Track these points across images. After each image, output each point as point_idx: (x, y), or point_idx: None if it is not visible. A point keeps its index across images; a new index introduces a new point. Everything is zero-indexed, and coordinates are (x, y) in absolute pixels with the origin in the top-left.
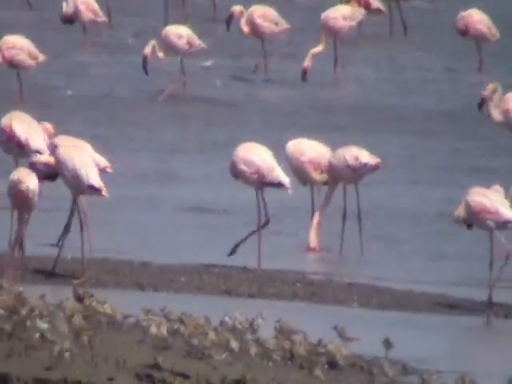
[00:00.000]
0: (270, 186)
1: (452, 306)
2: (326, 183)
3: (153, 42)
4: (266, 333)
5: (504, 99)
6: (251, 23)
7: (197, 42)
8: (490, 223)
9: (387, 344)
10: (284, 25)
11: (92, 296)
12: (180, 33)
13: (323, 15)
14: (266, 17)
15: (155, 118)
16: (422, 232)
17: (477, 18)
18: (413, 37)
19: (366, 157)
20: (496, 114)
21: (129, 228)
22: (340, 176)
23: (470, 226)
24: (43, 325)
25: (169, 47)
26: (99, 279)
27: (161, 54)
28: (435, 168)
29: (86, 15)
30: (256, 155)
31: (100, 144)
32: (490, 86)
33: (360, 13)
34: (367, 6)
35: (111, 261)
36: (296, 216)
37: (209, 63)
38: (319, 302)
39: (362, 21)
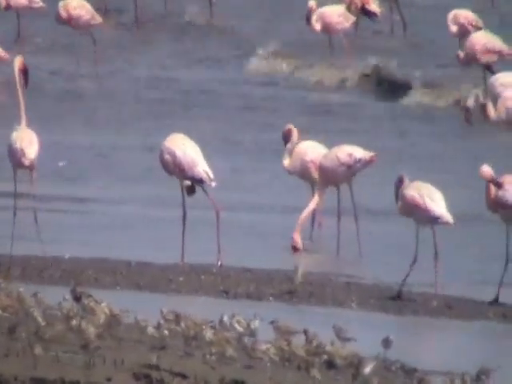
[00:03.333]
0: (191, 180)
1: (451, 307)
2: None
3: None
4: (264, 333)
5: (503, 98)
6: (67, 14)
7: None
8: (422, 218)
9: (386, 343)
10: (100, 19)
11: (90, 296)
12: None
13: (318, 11)
14: (82, 8)
15: None
16: (423, 233)
17: (469, 18)
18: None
19: (359, 152)
20: (495, 114)
21: (126, 228)
22: (334, 176)
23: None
24: (41, 324)
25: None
26: (97, 279)
27: None
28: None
29: (19, 2)
30: (179, 149)
31: None
32: (471, 99)
33: (354, 14)
34: (363, 9)
35: (109, 261)
36: (295, 216)
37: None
38: (318, 302)
39: (358, 21)
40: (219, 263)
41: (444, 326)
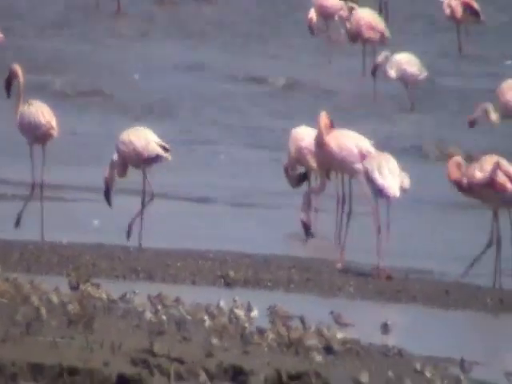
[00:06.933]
0: (150, 161)
1: (448, 293)
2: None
3: None
4: (263, 318)
5: (501, 90)
6: None
7: None
8: (372, 191)
9: (384, 329)
10: None
11: (87, 281)
12: None
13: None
14: None
15: None
16: (419, 219)
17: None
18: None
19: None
20: (496, 117)
21: (126, 214)
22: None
23: None
24: (38, 310)
25: None
26: (94, 264)
27: None
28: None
29: None
30: (133, 135)
31: None
32: (383, 54)
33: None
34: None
35: (106, 246)
36: (292, 202)
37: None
38: (315, 287)
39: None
40: (140, 244)
41: (441, 311)
